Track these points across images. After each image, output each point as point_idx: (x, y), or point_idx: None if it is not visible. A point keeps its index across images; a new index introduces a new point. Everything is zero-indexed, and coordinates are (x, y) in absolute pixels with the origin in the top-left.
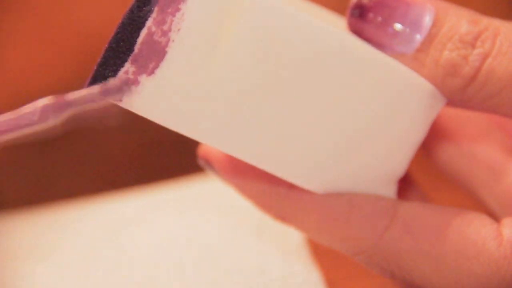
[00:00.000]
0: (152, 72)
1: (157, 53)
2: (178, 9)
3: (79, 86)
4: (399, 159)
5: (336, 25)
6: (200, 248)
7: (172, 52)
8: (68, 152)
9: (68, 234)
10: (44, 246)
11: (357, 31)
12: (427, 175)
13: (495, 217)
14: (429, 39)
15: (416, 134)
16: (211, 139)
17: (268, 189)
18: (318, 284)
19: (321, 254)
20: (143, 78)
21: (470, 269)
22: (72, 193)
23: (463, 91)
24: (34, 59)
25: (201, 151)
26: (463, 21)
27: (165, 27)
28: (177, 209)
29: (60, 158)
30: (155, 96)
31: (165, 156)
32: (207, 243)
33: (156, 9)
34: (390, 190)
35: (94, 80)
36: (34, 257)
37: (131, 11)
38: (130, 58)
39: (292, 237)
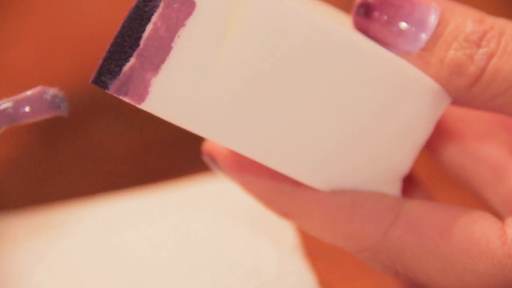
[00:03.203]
0: (157, 68)
1: (163, 48)
2: (184, 5)
3: (80, 85)
4: (403, 157)
5: (342, 23)
6: (194, 249)
7: (178, 47)
8: (68, 152)
9: (67, 234)
10: (44, 246)
11: (362, 30)
12: (431, 175)
13: (499, 217)
14: (434, 38)
15: (421, 132)
16: (216, 136)
17: (272, 186)
18: (312, 286)
19: (316, 256)
20: (150, 74)
21: (473, 267)
22: (72, 193)
23: (468, 90)
24: (35, 59)
25: (205, 147)
26: (468, 20)
27: (171, 23)
28: (172, 210)
29: (60, 158)
30: (160, 92)
31: (164, 157)
32: (201, 244)
33: (162, 4)
34: (394, 188)
35: (100, 75)
36: (34, 257)
37: (137, 6)
38: (136, 53)
39: (286, 239)
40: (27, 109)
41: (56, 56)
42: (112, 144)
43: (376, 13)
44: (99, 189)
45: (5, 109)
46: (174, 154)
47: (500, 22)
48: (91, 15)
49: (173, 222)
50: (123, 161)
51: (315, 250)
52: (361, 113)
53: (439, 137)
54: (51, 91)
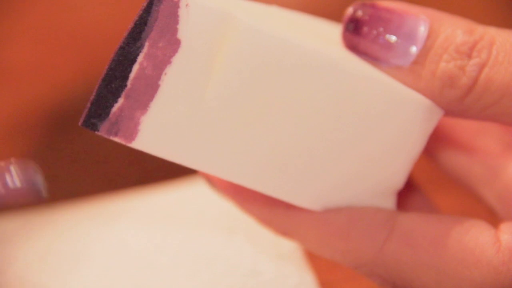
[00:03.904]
0: (146, 106)
1: (150, 87)
2: (169, 43)
3: (80, 85)
4: (397, 172)
5: (331, 40)
6: (194, 249)
7: (165, 84)
8: (68, 152)
9: (67, 234)
10: (44, 246)
11: (352, 46)
12: (429, 178)
13: (495, 214)
14: (424, 51)
15: (413, 147)
16: (208, 168)
17: (268, 208)
18: (312, 286)
19: (316, 256)
20: (139, 113)
21: (470, 277)
22: (72, 193)
23: (461, 101)
24: (35, 59)
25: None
26: (458, 31)
27: (157, 61)
28: (172, 211)
29: (60, 158)
30: (150, 130)
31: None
32: (201, 244)
33: (147, 44)
34: (389, 202)
35: (89, 118)
36: (34, 257)
37: (122, 47)
38: (123, 93)
39: (286, 240)
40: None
41: (56, 56)
42: (112, 144)
43: (365, 28)
44: (99, 189)
45: None
46: None
47: (490, 31)
48: (91, 15)
49: (172, 222)
50: (123, 162)
51: None
52: (351, 133)
53: (432, 137)
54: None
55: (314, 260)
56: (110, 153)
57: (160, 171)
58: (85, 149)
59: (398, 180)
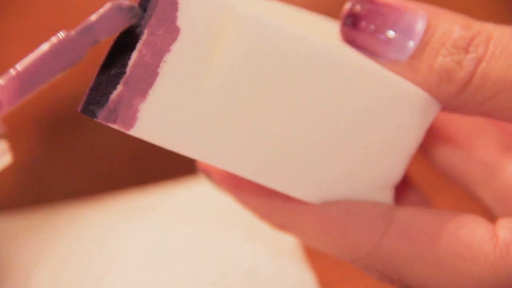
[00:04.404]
0: (145, 94)
1: (149, 74)
2: (168, 31)
3: (80, 85)
4: (394, 166)
5: (329, 34)
6: (194, 249)
7: (164, 72)
8: (68, 152)
9: (67, 234)
10: (44, 246)
11: (350, 40)
12: (425, 177)
13: (492, 214)
14: (422, 46)
15: (411, 141)
16: (206, 157)
17: (267, 201)
18: (312, 286)
19: (316, 256)
20: (137, 100)
21: (467, 271)
22: (72, 193)
23: (458, 96)
24: None
25: (200, 164)
26: (455, 27)
27: (155, 49)
28: (171, 211)
29: (60, 158)
30: (148, 118)
31: (164, 157)
32: (201, 244)
33: (146, 31)
34: (387, 196)
35: (87, 104)
36: (34, 257)
37: (121, 35)
38: (122, 80)
39: (285, 239)
40: (106, 26)
41: None
42: (112, 144)
43: (363, 23)
44: (99, 189)
45: (87, 31)
46: (173, 155)
47: (487, 27)
48: (91, 15)
49: (172, 222)
50: (123, 162)
51: (314, 250)
52: (349, 125)
53: (430, 136)
54: (123, 3)
55: (314, 260)
56: (110, 153)
57: (159, 171)
58: (85, 149)
59: (396, 174)
